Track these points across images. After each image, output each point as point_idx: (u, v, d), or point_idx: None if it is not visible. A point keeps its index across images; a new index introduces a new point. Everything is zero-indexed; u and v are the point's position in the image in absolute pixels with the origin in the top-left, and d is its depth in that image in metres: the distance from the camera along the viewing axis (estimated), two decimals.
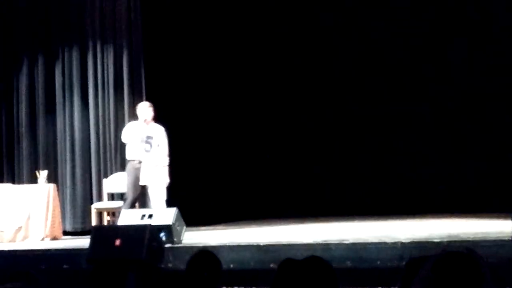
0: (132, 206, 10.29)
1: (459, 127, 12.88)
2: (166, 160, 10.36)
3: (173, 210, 9.38)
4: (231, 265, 8.76)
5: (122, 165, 11.82)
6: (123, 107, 11.96)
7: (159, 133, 10.38)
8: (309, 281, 3.39)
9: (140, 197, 10.37)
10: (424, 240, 8.57)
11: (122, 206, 10.30)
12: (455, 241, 8.43)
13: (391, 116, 13.14)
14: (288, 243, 8.81)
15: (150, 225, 8.75)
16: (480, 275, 2.96)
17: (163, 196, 10.20)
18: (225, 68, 13.28)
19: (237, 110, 13.42)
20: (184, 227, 9.48)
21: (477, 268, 2.99)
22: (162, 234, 8.97)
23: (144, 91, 11.95)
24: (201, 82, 12.98)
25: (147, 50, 12.02)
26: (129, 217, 9.44)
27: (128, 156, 10.45)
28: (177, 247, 9.08)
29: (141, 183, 10.24)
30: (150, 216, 9.29)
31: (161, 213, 9.36)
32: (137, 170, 10.26)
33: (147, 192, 10.33)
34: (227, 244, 9.06)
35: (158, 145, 10.30)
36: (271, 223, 11.86)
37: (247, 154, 13.50)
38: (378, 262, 8.33)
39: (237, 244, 9.07)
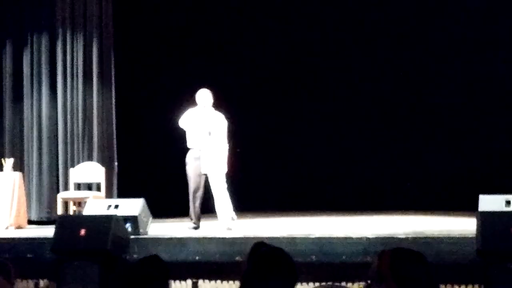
0: (195, 194, 9.93)
1: (426, 126, 12.96)
2: (225, 146, 9.90)
3: (140, 201, 9.35)
4: (197, 257, 8.77)
5: (89, 154, 11.76)
6: (91, 96, 11.88)
7: (219, 120, 9.93)
8: (269, 269, 3.45)
9: (203, 186, 9.93)
10: (389, 236, 8.62)
11: (190, 196, 9.95)
12: (419, 238, 8.50)
13: (359, 115, 13.19)
14: (254, 236, 8.81)
15: (115, 215, 8.71)
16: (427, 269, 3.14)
17: (223, 184, 9.77)
18: (195, 56, 13.22)
19: None
20: (150, 219, 9.45)
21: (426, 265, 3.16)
22: (127, 225, 8.94)
23: (113, 80, 11.89)
24: (171, 71, 12.92)
25: (118, 38, 11.94)
26: (95, 207, 9.39)
27: (188, 144, 10.03)
28: (142, 238, 9.05)
29: (202, 171, 9.80)
30: (116, 206, 9.25)
31: (128, 204, 9.32)
32: (197, 159, 9.84)
33: (208, 181, 9.92)
34: (193, 237, 9.07)
35: (217, 132, 9.80)
36: (238, 216, 11.85)
37: None
38: (343, 257, 8.38)
39: (203, 236, 9.07)
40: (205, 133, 9.80)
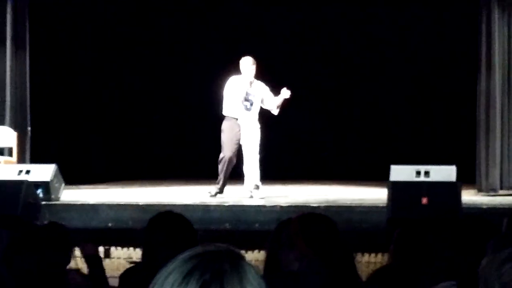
0: (230, 162, 9.60)
1: (343, 98, 13.07)
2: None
3: (52, 167, 9.22)
4: (109, 224, 8.72)
5: (1, 119, 11.51)
6: (4, 59, 11.59)
7: (261, 90, 9.63)
8: (169, 236, 3.48)
9: (236, 155, 9.65)
10: (302, 205, 8.72)
11: (219, 163, 9.63)
12: (332, 206, 8.62)
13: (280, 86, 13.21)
14: (168, 203, 8.81)
15: (26, 181, 8.60)
16: (336, 231, 3.22)
17: (256, 154, 9.58)
18: (115, 19, 13.02)
19: (123, 68, 13.25)
20: (63, 184, 9.34)
21: (334, 226, 3.29)
22: (39, 191, 8.82)
23: (28, 43, 11.63)
24: (90, 35, 12.71)
25: (33, 1, 11.68)
26: (6, 172, 9.22)
27: (225, 112, 9.66)
28: (54, 204, 8.95)
29: (241, 142, 9.54)
30: (28, 172, 9.11)
31: (39, 169, 9.19)
32: (235, 128, 9.55)
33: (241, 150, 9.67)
34: (106, 203, 9.00)
35: (258, 103, 9.57)
36: (154, 183, 11.82)
37: (134, 113, 13.35)
38: (257, 225, 8.44)
39: (116, 203, 9.01)
40: (248, 105, 9.54)
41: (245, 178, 9.59)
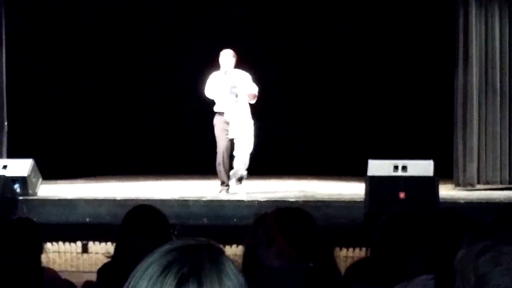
0: (226, 153, 9.43)
1: (321, 93, 13.08)
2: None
3: (29, 162, 9.18)
4: (87, 219, 8.71)
5: None
6: None
7: (244, 80, 9.47)
8: (141, 228, 3.51)
9: (230, 148, 9.49)
10: (280, 200, 8.74)
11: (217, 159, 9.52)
12: (309, 201, 8.64)
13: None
14: (146, 198, 8.80)
15: (4, 175, 8.58)
16: (314, 224, 3.25)
17: (248, 148, 9.45)
18: (93, 16, 12.96)
19: (100, 63, 13.19)
20: (40, 179, 9.31)
21: (311, 220, 3.31)
22: (16, 186, 8.80)
23: (4, 37, 11.56)
24: (66, 29, 12.64)
25: None
26: None
27: (215, 108, 9.53)
28: (31, 199, 8.92)
29: (230, 136, 9.39)
30: (5, 166, 9.08)
31: (17, 164, 9.15)
32: (226, 123, 9.41)
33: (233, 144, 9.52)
34: (84, 198, 8.98)
35: (244, 95, 9.39)
36: (132, 179, 11.80)
37: (111, 108, 13.31)
38: (235, 220, 8.45)
39: (93, 198, 8.99)
40: (232, 98, 9.41)
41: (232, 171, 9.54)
